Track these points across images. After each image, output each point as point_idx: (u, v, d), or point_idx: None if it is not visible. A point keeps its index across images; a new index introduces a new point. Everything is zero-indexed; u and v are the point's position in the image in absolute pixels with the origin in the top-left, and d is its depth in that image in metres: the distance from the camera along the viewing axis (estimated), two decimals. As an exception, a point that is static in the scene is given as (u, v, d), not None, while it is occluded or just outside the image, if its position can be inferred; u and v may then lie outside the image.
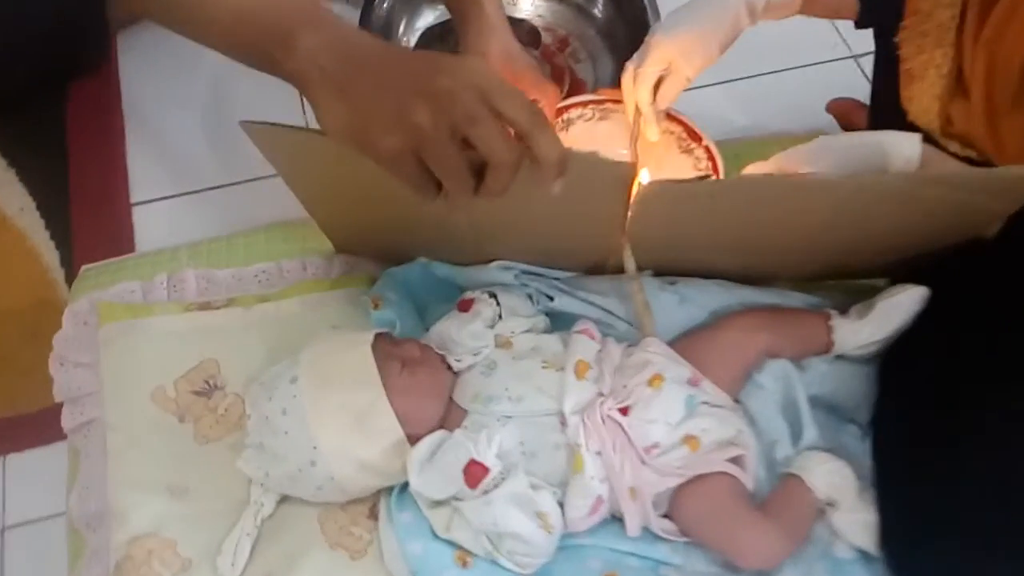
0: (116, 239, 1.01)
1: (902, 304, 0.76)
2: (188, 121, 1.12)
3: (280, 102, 0.95)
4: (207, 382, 0.79)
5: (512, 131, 0.57)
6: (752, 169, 0.80)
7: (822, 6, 0.91)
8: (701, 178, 0.62)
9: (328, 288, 0.84)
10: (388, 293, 0.82)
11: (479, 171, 0.59)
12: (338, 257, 0.89)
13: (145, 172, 1.09)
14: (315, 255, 0.89)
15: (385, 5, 1.12)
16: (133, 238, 1.03)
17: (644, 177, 0.76)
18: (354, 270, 0.88)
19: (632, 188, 0.67)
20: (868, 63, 1.18)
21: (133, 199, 1.06)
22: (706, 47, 0.86)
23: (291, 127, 0.62)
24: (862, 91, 1.16)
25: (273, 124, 0.62)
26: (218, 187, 1.07)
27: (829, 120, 1.07)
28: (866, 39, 0.92)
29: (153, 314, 0.81)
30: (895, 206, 0.67)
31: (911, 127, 0.85)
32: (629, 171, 0.63)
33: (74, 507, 0.76)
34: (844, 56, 1.21)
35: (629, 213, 0.70)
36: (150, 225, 1.04)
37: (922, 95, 0.84)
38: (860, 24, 0.90)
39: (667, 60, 0.86)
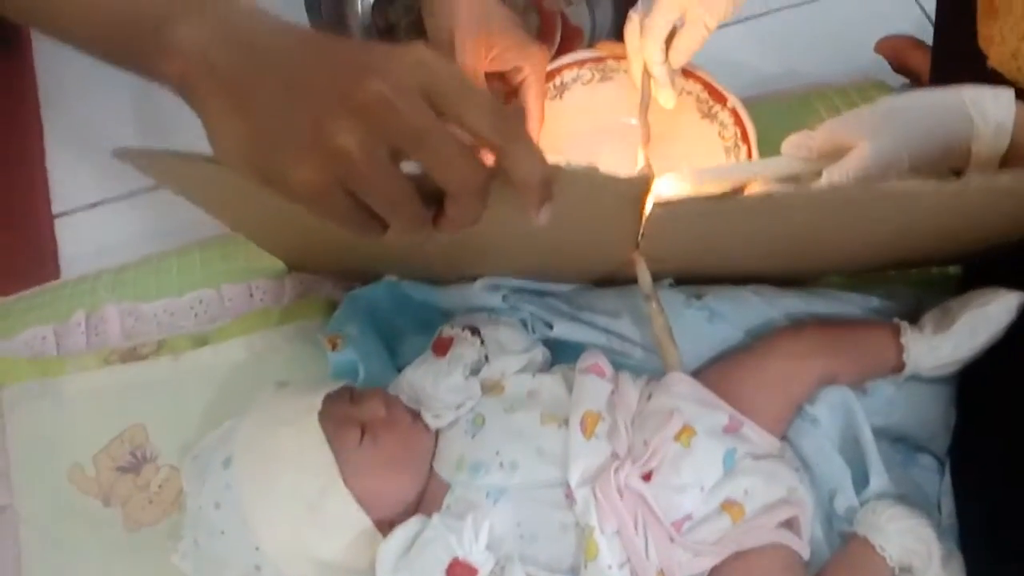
0: (36, 262, 0.85)
1: (992, 315, 0.60)
2: (117, 107, 0.93)
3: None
4: (133, 454, 0.65)
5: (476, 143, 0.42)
6: (794, 142, 0.63)
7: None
8: (735, 191, 0.46)
9: (277, 322, 0.69)
10: (349, 328, 0.66)
11: (436, 195, 0.44)
12: (290, 276, 0.74)
13: (69, 174, 0.92)
14: (262, 276, 0.73)
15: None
16: (57, 259, 0.86)
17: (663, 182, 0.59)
18: (310, 292, 0.73)
19: (645, 201, 0.50)
20: (922, -16, 0.99)
21: (56, 209, 0.90)
22: (729, -13, 0.68)
23: (175, 154, 0.46)
24: (911, 16, 0.98)
25: (153, 151, 0.46)
26: (157, 188, 0.90)
27: (878, 61, 0.88)
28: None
29: (66, 372, 0.67)
30: (989, 205, 0.50)
31: (991, 75, 0.67)
32: (639, 187, 0.46)
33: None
34: (891, -23, 1.01)
35: (641, 230, 0.53)
36: (78, 240, 0.87)
37: (1008, 34, 0.66)
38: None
39: (680, 7, 0.68)
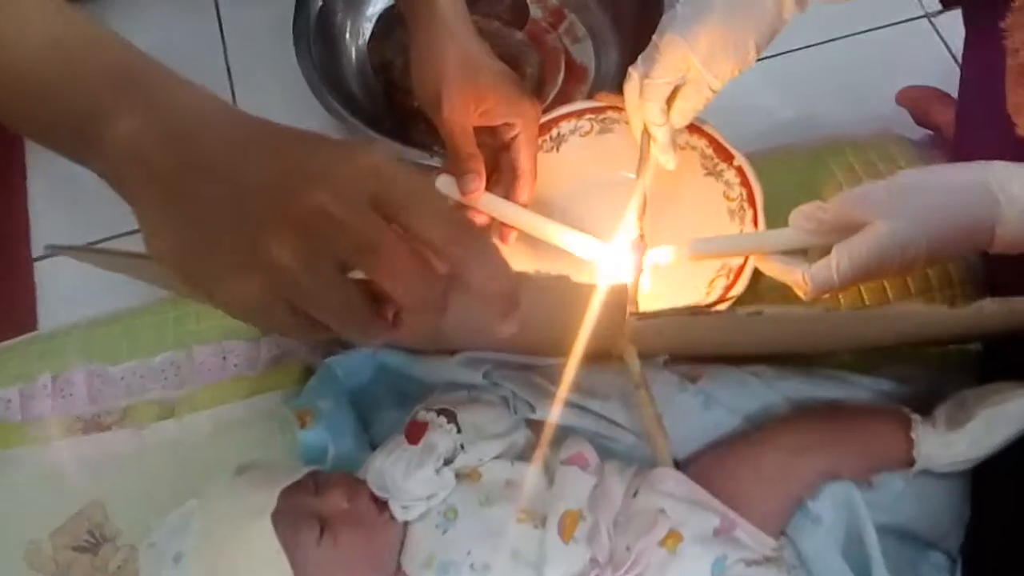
0: (11, 308, 0.82)
1: (1011, 413, 0.55)
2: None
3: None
4: (91, 533, 0.62)
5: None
6: (805, 213, 0.58)
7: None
8: (715, 303, 0.41)
9: (247, 394, 0.66)
10: (321, 401, 0.63)
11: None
12: (266, 339, 0.70)
13: (50, 214, 0.89)
14: (236, 338, 0.70)
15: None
16: (35, 305, 0.83)
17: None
18: (286, 356, 0.69)
19: (630, 301, 0.46)
20: (945, 24, 0.93)
21: (36, 251, 0.87)
22: (736, 47, 0.63)
23: (109, 251, 0.43)
24: (938, 61, 0.93)
25: (85, 247, 0.43)
26: (137, 231, 0.87)
27: (899, 109, 0.83)
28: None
29: (26, 442, 0.64)
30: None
31: (1020, 144, 0.62)
32: (617, 295, 0.42)
33: None
34: (914, 16, 0.95)
35: (625, 327, 0.49)
36: (57, 286, 0.85)
37: (1040, 102, 0.61)
38: (949, 1, 0.66)
39: (682, 67, 0.63)
